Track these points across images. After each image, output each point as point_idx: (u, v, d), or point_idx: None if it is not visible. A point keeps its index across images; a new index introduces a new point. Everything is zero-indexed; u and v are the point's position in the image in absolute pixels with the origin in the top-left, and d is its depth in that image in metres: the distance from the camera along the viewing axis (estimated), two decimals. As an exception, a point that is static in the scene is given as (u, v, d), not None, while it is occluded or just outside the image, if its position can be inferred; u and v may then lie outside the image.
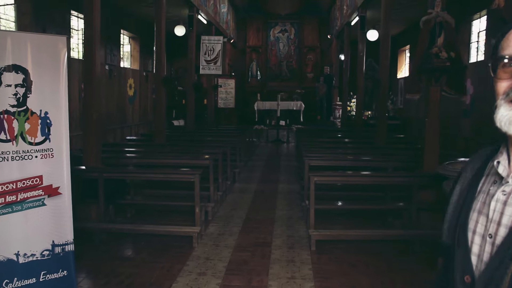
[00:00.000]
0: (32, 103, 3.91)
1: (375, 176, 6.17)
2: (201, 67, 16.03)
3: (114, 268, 5.14)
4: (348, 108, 17.44)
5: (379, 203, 6.77)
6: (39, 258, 3.91)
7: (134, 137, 11.88)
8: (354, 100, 18.90)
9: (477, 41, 12.20)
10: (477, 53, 12.22)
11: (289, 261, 5.40)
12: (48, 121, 4.01)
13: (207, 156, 7.38)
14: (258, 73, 23.63)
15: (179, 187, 7.86)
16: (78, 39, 12.65)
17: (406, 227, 6.18)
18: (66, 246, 4.06)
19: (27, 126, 3.90)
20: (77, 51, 12.62)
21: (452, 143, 12.15)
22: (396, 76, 19.49)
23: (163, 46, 10.20)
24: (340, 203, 6.70)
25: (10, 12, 9.61)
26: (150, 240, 6.12)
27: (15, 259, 3.79)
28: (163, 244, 5.96)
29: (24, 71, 3.82)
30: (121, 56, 15.83)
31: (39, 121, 3.97)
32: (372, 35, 13.32)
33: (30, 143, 3.91)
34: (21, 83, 3.82)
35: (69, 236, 4.09)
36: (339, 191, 7.91)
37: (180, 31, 13.98)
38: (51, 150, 4.03)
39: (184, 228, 5.86)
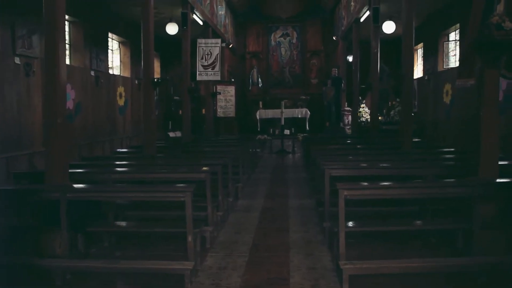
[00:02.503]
0: None
1: (425, 188, 4.72)
2: (197, 72, 14.63)
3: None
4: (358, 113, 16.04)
5: (425, 222, 5.32)
6: None
7: (124, 150, 10.47)
8: (363, 105, 17.57)
9: None
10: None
11: (316, 307, 3.97)
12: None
13: (205, 168, 5.97)
14: (260, 80, 22.27)
15: (171, 206, 6.46)
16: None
17: (464, 252, 4.74)
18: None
19: None
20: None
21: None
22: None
23: (151, 46, 8.85)
24: (375, 223, 5.24)
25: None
26: (130, 279, 4.69)
27: None
28: (146, 285, 4.54)
29: None
30: (111, 62, 14.50)
31: None
32: (389, 27, 11.97)
33: None
34: None
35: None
36: (364, 207, 6.49)
37: (172, 29, 12.62)
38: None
39: (173, 264, 4.43)
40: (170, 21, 12.59)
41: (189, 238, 4.46)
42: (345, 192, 4.41)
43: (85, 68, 11.96)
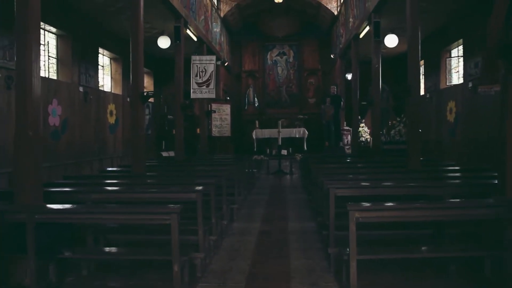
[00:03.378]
0: None
1: (450, 209, 4.09)
2: (192, 90, 14.10)
3: None
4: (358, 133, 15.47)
5: (445, 247, 4.68)
6: None
7: (112, 169, 9.83)
8: (362, 124, 17.05)
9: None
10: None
11: None
12: None
13: (199, 188, 5.34)
14: (256, 99, 21.77)
15: (159, 229, 5.82)
16: (45, 55, 10.78)
17: (494, 280, 4.11)
18: None
19: None
20: (43, 69, 10.72)
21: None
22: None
23: (141, 58, 8.33)
24: (388, 250, 4.59)
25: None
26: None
27: None
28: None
29: None
30: (101, 79, 13.96)
31: None
32: (391, 40, 11.49)
33: None
34: None
35: None
36: (370, 230, 5.87)
37: (164, 42, 12.11)
38: None
39: (155, 299, 3.78)
40: (162, 34, 12.06)
41: (175, 268, 3.83)
42: (357, 214, 3.81)
43: (73, 83, 11.40)
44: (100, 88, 13.46)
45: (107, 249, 4.84)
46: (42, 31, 10.63)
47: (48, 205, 4.34)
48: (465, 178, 6.10)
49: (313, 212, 8.51)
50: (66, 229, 4.75)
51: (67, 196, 5.54)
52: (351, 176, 7.05)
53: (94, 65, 12.77)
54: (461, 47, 13.05)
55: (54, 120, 10.36)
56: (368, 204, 3.90)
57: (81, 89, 11.71)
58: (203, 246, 5.30)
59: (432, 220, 4.81)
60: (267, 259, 5.79)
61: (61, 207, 4.40)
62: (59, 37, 11.24)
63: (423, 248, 4.68)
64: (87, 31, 12.16)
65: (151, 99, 17.92)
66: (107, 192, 5.49)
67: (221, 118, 16.67)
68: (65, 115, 10.82)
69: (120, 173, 8.33)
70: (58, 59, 11.24)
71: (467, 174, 6.84)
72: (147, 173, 8.05)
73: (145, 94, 8.22)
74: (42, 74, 10.48)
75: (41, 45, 10.62)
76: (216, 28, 17.61)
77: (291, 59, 22.11)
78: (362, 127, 17.06)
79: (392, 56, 17.55)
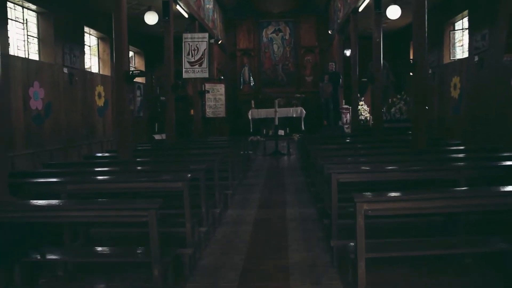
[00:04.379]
0: None
1: (480, 197, 3.49)
2: (184, 69, 13.47)
3: None
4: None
5: (462, 241, 4.14)
6: None
7: (97, 154, 9.26)
8: (361, 102, 16.47)
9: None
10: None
11: None
12: None
13: (185, 176, 4.78)
14: (251, 78, 21.08)
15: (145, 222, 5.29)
16: (24, 34, 10.11)
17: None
18: None
19: None
20: (23, 49, 10.07)
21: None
22: (410, 73, 16.98)
23: (125, 34, 7.68)
24: (401, 246, 4.03)
25: None
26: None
27: None
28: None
29: None
30: (88, 59, 13.30)
31: None
32: (394, 12, 10.81)
33: None
34: None
35: None
36: (375, 218, 5.35)
37: (151, 18, 11.40)
38: None
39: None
40: (149, 9, 11.36)
41: (156, 272, 3.30)
42: (365, 206, 3.26)
43: (57, 64, 10.74)
44: (87, 69, 12.80)
45: (82, 249, 4.30)
46: (20, 8, 9.96)
47: (7, 201, 3.78)
48: (479, 160, 5.55)
49: (312, 197, 8.00)
50: (37, 226, 4.21)
51: (40, 187, 4.99)
52: (352, 159, 6.49)
53: (80, 45, 12.09)
54: (465, 19, 12.39)
55: (36, 104, 9.74)
56: (378, 195, 3.35)
57: (65, 70, 11.07)
58: (191, 240, 4.78)
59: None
60: (263, 252, 5.28)
61: (19, 204, 3.84)
62: (39, 14, 10.55)
63: (437, 242, 4.14)
64: (71, 9, 11.45)
65: (141, 79, 17.33)
66: (84, 183, 4.93)
67: (215, 99, 16.03)
68: (48, 98, 10.21)
69: (105, 160, 7.76)
70: (39, 38, 10.57)
71: (479, 154, 6.28)
72: (135, 159, 7.49)
73: (130, 73, 7.60)
74: (21, 54, 9.88)
75: (20, 23, 9.98)
76: (209, 5, 16.86)
77: (287, 36, 21.36)
78: (362, 105, 16.49)
79: (392, 31, 16.87)
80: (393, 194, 3.50)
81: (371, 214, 3.25)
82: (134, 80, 16.77)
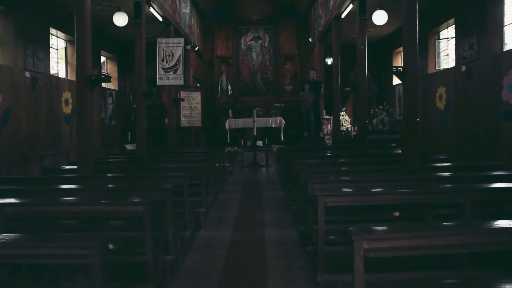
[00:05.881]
0: None
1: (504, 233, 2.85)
2: (158, 76, 12.77)
3: None
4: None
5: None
6: None
7: (63, 167, 8.40)
8: (342, 113, 15.95)
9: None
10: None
11: None
12: None
13: (145, 199, 4.05)
14: (229, 87, 20.40)
15: (127, 226, 4.56)
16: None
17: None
18: None
19: None
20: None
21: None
22: (392, 83, 16.56)
23: (87, 34, 6.90)
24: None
25: None
26: None
27: None
28: None
29: None
30: (55, 64, 12.45)
31: None
32: (380, 17, 10.27)
33: None
34: None
35: None
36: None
37: (120, 19, 10.63)
38: None
39: None
40: (118, 10, 10.60)
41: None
42: (366, 245, 2.59)
43: (17, 68, 9.89)
44: (53, 74, 11.95)
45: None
46: (-24, 6, 9.13)
47: None
48: (482, 179, 4.96)
49: (293, 216, 7.34)
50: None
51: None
52: (338, 177, 5.83)
53: (45, 47, 11.23)
54: (451, 28, 11.96)
55: (-9, 110, 8.91)
56: (382, 231, 2.68)
57: (27, 74, 10.22)
58: (153, 273, 4.04)
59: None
60: (239, 284, 4.57)
61: None
62: (-2, 13, 9.74)
63: (450, 275, 3.49)
64: (35, 8, 10.62)
65: (113, 86, 16.51)
66: (26, 205, 4.15)
67: (191, 107, 15.28)
68: (6, 104, 9.35)
69: (62, 174, 6.95)
70: (-4, 39, 9.75)
71: (481, 173, 5.69)
72: (96, 175, 6.72)
73: (93, 77, 6.85)
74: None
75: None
76: (185, 9, 16.18)
77: (266, 44, 20.77)
78: (343, 115, 15.97)
79: (374, 40, 16.41)
80: (400, 229, 2.83)
81: (372, 255, 2.57)
82: (106, 86, 16.08)
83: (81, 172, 6.64)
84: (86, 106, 6.81)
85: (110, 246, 4.67)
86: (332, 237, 4.67)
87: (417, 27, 6.63)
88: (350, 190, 4.45)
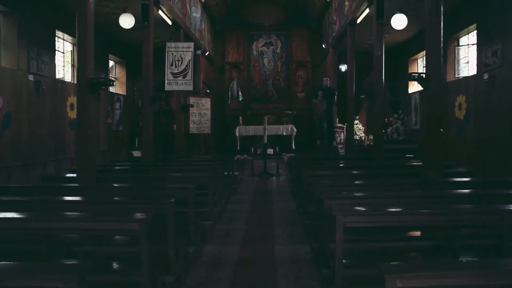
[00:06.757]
0: None
1: None
2: (166, 81, 12.43)
3: None
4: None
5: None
6: None
7: (58, 175, 8.03)
8: (356, 121, 15.46)
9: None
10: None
11: None
12: None
13: (139, 216, 3.63)
14: (240, 93, 20.01)
15: (127, 241, 4.14)
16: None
17: None
18: None
19: None
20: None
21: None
22: (408, 91, 16.05)
23: (90, 35, 6.53)
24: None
25: None
26: None
27: None
28: None
29: None
30: (61, 67, 12.13)
31: None
32: (399, 21, 9.80)
33: None
34: None
35: None
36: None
37: (126, 21, 10.24)
38: None
39: None
40: (125, 11, 10.24)
41: None
42: (399, 283, 2.13)
43: (20, 71, 9.56)
44: (58, 78, 11.62)
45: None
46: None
47: None
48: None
49: (305, 231, 6.87)
50: None
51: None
52: (356, 192, 5.36)
53: (50, 50, 10.92)
54: (471, 34, 11.46)
55: (-8, 114, 8.57)
56: (416, 266, 2.22)
57: (31, 77, 9.89)
58: (150, 300, 3.61)
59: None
60: (245, 312, 4.12)
61: None
62: (1, 13, 9.40)
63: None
64: (40, 10, 10.33)
65: (121, 90, 16.19)
66: (14, 221, 3.74)
67: (200, 114, 14.90)
68: (8, 107, 9.03)
69: (61, 183, 6.55)
70: (0, 40, 9.41)
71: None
72: (96, 184, 6.31)
73: (95, 81, 6.46)
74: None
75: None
76: (196, 13, 15.83)
77: (278, 50, 20.37)
78: (356, 124, 15.49)
79: (389, 47, 15.90)
80: (439, 266, 2.37)
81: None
82: (114, 91, 15.77)
83: (80, 182, 6.24)
84: (87, 110, 6.43)
85: (107, 264, 4.27)
86: (348, 260, 4.23)
87: (442, 30, 6.17)
88: (370, 209, 3.98)
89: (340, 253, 3.81)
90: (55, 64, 11.20)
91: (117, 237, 5.03)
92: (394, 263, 2.27)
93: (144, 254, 3.60)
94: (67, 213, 4.14)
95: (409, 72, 16.13)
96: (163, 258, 4.47)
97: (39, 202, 4.81)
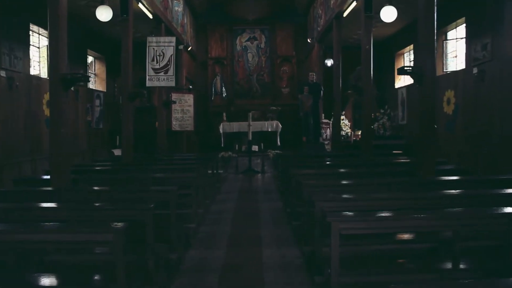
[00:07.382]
0: None
1: None
2: (147, 77, 12.00)
3: None
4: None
5: None
6: None
7: (30, 176, 7.58)
8: (342, 117, 15.20)
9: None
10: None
11: None
12: None
13: (117, 224, 3.28)
14: (223, 89, 19.64)
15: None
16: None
17: None
18: None
19: None
20: None
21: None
22: (394, 86, 15.84)
23: (63, 27, 6.13)
24: None
25: None
26: None
27: None
28: None
29: None
30: (36, 62, 11.63)
31: None
32: (388, 14, 9.51)
33: None
34: None
35: None
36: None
37: (103, 14, 9.75)
38: None
39: None
40: (102, 3, 9.78)
41: None
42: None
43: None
44: (33, 74, 11.13)
45: None
46: None
47: None
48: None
49: (294, 232, 6.57)
50: None
51: None
52: (349, 194, 5.03)
53: (24, 45, 10.42)
54: (460, 28, 11.25)
55: (-40, 113, 8.08)
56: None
57: (3, 73, 9.40)
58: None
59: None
60: (232, 326, 3.79)
61: None
62: (-31, 7, 8.93)
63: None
64: (12, 2, 9.82)
65: (102, 87, 15.70)
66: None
67: (183, 110, 14.48)
68: (-22, 106, 8.56)
69: (34, 187, 6.13)
70: (-32, 35, 8.93)
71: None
72: (71, 187, 5.92)
73: (68, 77, 6.05)
74: None
75: None
76: (178, 7, 15.41)
77: (262, 45, 20.02)
78: (343, 119, 15.22)
79: (375, 41, 15.66)
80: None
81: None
82: (94, 88, 15.28)
83: (54, 184, 5.84)
84: (61, 108, 6.02)
85: (82, 275, 3.92)
86: (342, 266, 3.92)
87: (435, 22, 5.89)
88: (366, 215, 3.67)
89: (336, 262, 3.51)
90: (29, 60, 10.71)
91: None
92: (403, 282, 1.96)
93: (119, 267, 3.25)
94: (37, 223, 3.77)
95: (396, 66, 15.93)
96: (143, 267, 4.13)
97: (8, 210, 4.42)
